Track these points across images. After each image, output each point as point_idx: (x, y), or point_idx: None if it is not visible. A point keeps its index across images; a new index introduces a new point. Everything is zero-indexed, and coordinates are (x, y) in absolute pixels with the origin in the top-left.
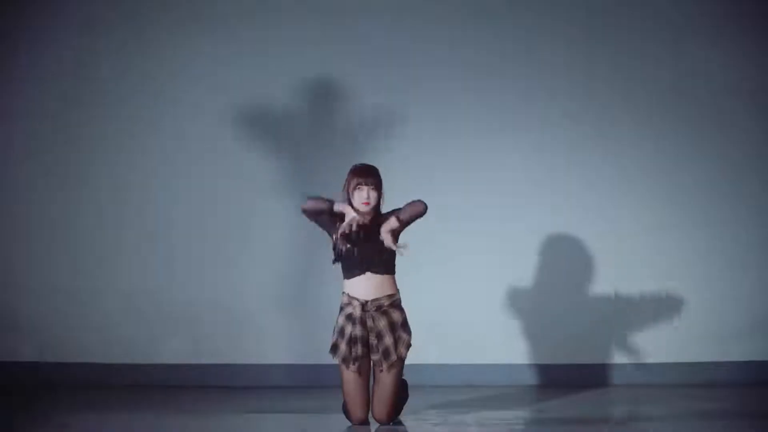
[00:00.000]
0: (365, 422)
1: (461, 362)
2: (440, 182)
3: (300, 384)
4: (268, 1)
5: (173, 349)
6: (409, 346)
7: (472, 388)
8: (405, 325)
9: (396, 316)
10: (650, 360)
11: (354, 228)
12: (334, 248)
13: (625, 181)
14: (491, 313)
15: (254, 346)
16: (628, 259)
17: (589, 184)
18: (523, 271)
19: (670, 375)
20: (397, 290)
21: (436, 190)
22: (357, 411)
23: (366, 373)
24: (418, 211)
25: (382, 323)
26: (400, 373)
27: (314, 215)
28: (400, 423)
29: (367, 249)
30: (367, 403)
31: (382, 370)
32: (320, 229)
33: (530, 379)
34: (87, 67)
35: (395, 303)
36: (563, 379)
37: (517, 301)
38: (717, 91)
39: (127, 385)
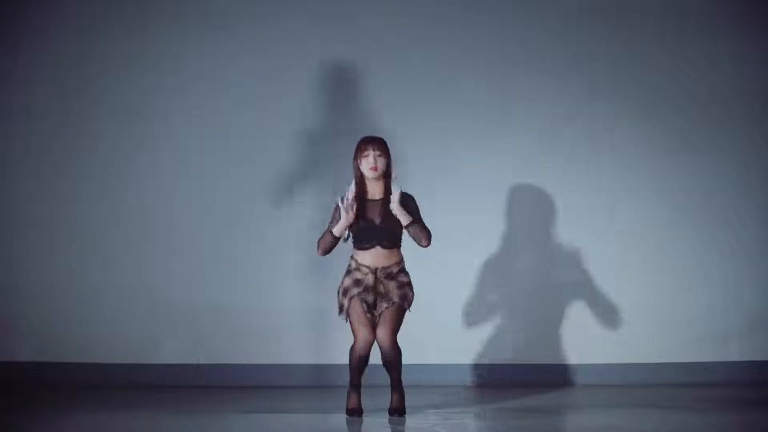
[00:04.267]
0: (371, 343)
1: (461, 362)
2: (440, 182)
3: (300, 384)
4: (268, 1)
5: (173, 349)
6: (411, 302)
7: (472, 388)
8: (410, 285)
9: (403, 278)
10: (650, 360)
11: (349, 197)
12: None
13: (624, 181)
14: (491, 313)
15: (254, 346)
16: (629, 259)
17: (588, 184)
18: (524, 271)
19: (670, 375)
20: (402, 258)
21: (436, 189)
22: (363, 331)
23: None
24: (421, 235)
25: (391, 285)
26: (402, 313)
27: (330, 247)
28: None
29: (377, 225)
30: (373, 326)
31: (387, 308)
32: (322, 231)
33: (531, 379)
34: (87, 67)
35: (402, 268)
36: (564, 379)
37: (519, 301)
38: (717, 91)
39: (127, 385)
